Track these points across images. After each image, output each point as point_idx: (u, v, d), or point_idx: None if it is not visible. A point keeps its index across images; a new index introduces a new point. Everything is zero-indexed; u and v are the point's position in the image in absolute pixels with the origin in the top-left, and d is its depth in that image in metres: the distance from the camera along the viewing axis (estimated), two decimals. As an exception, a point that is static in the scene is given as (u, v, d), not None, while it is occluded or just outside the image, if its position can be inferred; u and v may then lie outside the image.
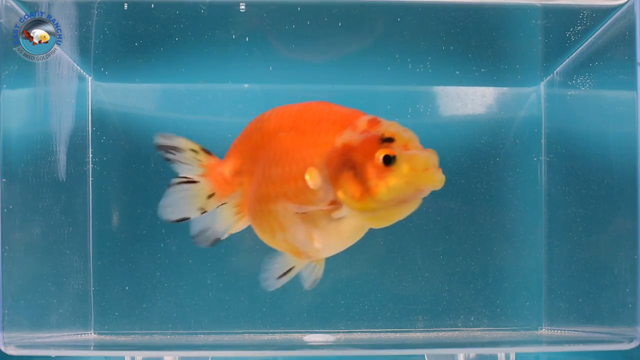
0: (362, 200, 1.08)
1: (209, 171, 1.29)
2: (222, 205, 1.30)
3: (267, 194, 1.19)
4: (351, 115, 1.14)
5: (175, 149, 1.28)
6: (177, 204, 1.28)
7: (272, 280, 1.24)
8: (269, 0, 1.48)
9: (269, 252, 1.26)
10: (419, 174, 1.05)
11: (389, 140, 1.06)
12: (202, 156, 1.29)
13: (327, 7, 1.51)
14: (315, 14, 1.52)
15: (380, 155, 1.06)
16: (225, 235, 1.30)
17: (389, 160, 1.05)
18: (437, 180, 1.05)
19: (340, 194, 1.10)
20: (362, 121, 1.10)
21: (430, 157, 1.05)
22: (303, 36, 1.57)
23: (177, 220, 1.28)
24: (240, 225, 1.31)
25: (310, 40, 1.59)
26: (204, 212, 1.28)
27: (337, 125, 1.12)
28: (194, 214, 1.28)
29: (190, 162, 1.28)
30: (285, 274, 1.24)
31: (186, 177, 1.28)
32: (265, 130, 1.23)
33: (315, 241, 1.18)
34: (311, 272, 1.26)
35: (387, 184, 1.05)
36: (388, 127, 1.08)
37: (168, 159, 1.28)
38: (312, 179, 1.12)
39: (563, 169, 1.65)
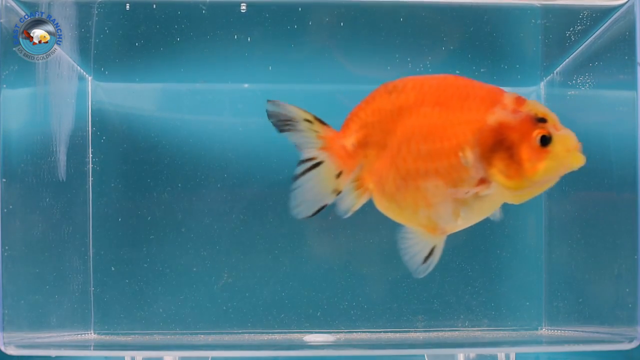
0: (516, 179, 1.09)
1: (329, 144, 1.23)
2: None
3: (416, 170, 1.16)
4: (495, 92, 1.14)
5: (289, 119, 1.22)
6: (309, 196, 1.21)
7: (419, 266, 1.19)
8: (269, 0, 1.48)
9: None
10: (570, 154, 1.08)
11: (543, 120, 1.08)
12: (318, 126, 1.23)
13: (328, 7, 1.51)
14: (316, 14, 1.52)
15: (537, 136, 1.07)
16: (348, 214, 1.23)
17: (545, 141, 1.07)
18: (582, 159, 1.08)
19: (494, 173, 1.10)
20: (509, 99, 1.11)
21: (574, 137, 1.08)
22: (303, 36, 1.57)
23: (315, 213, 1.21)
24: (361, 202, 1.24)
25: (311, 40, 1.59)
26: (339, 194, 1.22)
27: (487, 102, 1.12)
28: (329, 199, 1.21)
29: (308, 134, 1.22)
30: (429, 256, 1.19)
31: (310, 159, 1.22)
32: (402, 102, 1.20)
33: (460, 218, 1.16)
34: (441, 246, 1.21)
35: (544, 165, 1.08)
36: (536, 105, 1.10)
37: (282, 130, 1.23)
38: (466, 156, 1.12)
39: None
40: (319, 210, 1.21)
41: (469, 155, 1.12)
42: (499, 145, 1.09)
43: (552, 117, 1.09)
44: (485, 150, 1.10)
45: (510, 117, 1.09)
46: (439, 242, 1.19)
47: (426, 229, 1.19)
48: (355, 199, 1.23)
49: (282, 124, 1.23)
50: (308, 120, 1.23)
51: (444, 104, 1.16)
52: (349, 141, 1.23)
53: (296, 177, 1.22)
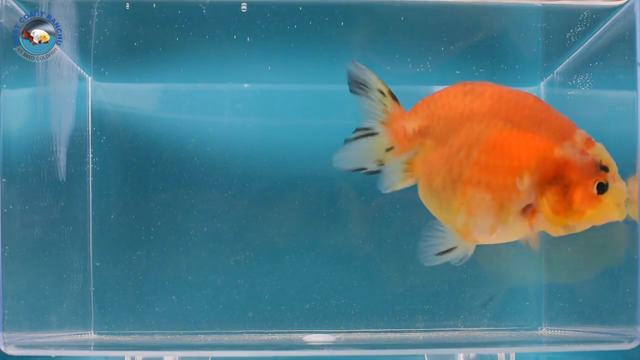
0: (562, 216, 1.11)
1: (392, 121, 1.26)
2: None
3: (469, 177, 1.18)
4: (568, 126, 1.15)
5: (364, 84, 1.25)
6: (354, 155, 1.26)
7: (431, 255, 1.22)
8: (269, 0, 1.48)
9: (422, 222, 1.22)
10: (617, 208, 1.09)
11: (605, 169, 1.09)
12: (388, 101, 1.26)
13: (328, 7, 1.51)
14: (316, 14, 1.52)
15: (596, 183, 1.09)
16: (388, 190, 1.27)
17: (602, 190, 1.08)
18: (623, 215, 1.10)
19: (543, 203, 1.12)
20: (580, 137, 1.12)
21: (625, 191, 1.09)
22: (304, 36, 1.57)
23: (353, 170, 1.26)
24: (404, 184, 1.28)
25: (311, 40, 1.59)
26: (380, 165, 1.26)
27: (558, 134, 1.13)
28: (370, 166, 1.26)
29: (376, 104, 1.26)
30: (445, 252, 1.22)
31: (366, 129, 1.26)
32: (476, 106, 1.21)
33: (497, 234, 1.18)
34: (465, 253, 1.23)
35: (593, 211, 1.09)
36: (602, 151, 1.11)
37: (353, 91, 1.26)
38: (523, 180, 1.13)
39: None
40: (357, 170, 1.26)
41: (526, 180, 1.13)
42: (557, 180, 1.11)
43: (613, 166, 1.10)
44: (543, 180, 1.12)
45: (576, 157, 1.10)
46: (468, 249, 1.22)
47: (459, 233, 1.21)
48: (400, 180, 1.27)
49: (356, 85, 1.26)
50: (381, 92, 1.25)
51: (518, 123, 1.17)
52: (411, 125, 1.26)
53: (349, 139, 1.26)
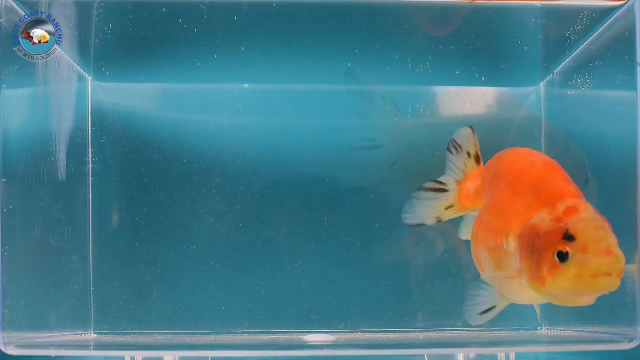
0: (535, 283, 1.10)
1: (464, 180, 1.35)
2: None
3: (477, 236, 1.26)
4: (560, 192, 1.13)
5: (460, 147, 1.33)
6: (418, 211, 1.35)
7: (476, 315, 1.28)
8: (270, 0, 1.48)
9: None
10: (584, 280, 1.05)
11: (570, 238, 1.06)
12: (471, 162, 1.34)
13: (328, 7, 1.51)
14: (316, 14, 1.52)
15: (555, 252, 1.06)
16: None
17: (562, 258, 1.06)
18: (602, 288, 1.05)
19: (524, 269, 1.12)
20: (562, 206, 1.10)
21: (604, 265, 1.04)
22: (304, 36, 1.57)
23: (414, 226, 1.36)
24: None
25: (311, 40, 1.59)
26: (439, 222, 1.36)
27: (541, 200, 1.13)
28: (430, 222, 1.35)
29: (459, 164, 1.34)
30: (487, 311, 1.27)
31: (440, 183, 1.34)
32: (499, 169, 1.27)
33: (504, 295, 1.23)
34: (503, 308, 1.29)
35: (555, 280, 1.07)
36: (578, 222, 1.07)
37: (448, 149, 1.34)
38: (509, 243, 1.16)
39: (563, 168, 1.65)
40: (417, 226, 1.37)
41: (512, 244, 1.15)
42: (529, 245, 1.11)
43: (589, 236, 1.05)
44: (521, 244, 1.13)
45: (544, 224, 1.09)
46: (501, 304, 1.26)
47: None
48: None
49: (452, 145, 1.36)
50: (469, 154, 1.34)
51: (517, 187, 1.20)
52: (474, 186, 1.33)
53: (421, 189, 1.36)
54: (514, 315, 1.66)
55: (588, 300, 1.10)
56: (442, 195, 1.35)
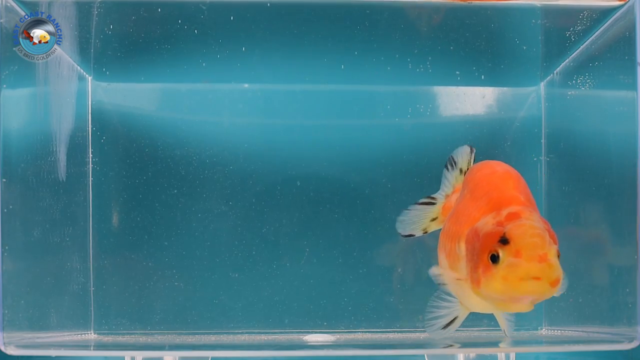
0: (472, 284, 1.13)
1: (452, 194, 1.39)
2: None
3: (440, 242, 1.30)
4: (508, 199, 1.16)
5: (455, 164, 1.38)
6: (410, 222, 1.41)
7: (437, 329, 1.29)
8: (269, 0, 1.48)
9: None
10: (512, 282, 1.06)
11: (505, 241, 1.08)
12: (461, 178, 1.37)
13: (328, 7, 1.51)
14: (316, 14, 1.52)
15: (490, 253, 1.09)
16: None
17: (494, 260, 1.08)
18: (529, 292, 1.06)
19: (470, 272, 1.14)
20: (505, 211, 1.13)
21: (533, 269, 1.05)
22: (303, 36, 1.57)
23: (405, 236, 1.42)
24: None
25: (311, 40, 1.59)
26: (425, 233, 1.42)
27: (490, 206, 1.16)
28: (418, 233, 1.42)
29: (452, 181, 1.39)
30: (449, 324, 1.29)
31: (431, 198, 1.40)
32: (469, 177, 1.31)
33: (462, 302, 1.25)
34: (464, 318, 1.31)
35: (487, 282, 1.09)
36: (515, 227, 1.09)
37: (446, 166, 1.39)
38: (460, 247, 1.19)
39: (563, 168, 1.65)
40: (407, 236, 1.42)
41: (462, 247, 1.18)
42: (472, 248, 1.14)
43: (522, 242, 1.07)
44: (467, 247, 1.16)
45: (486, 227, 1.12)
46: (461, 315, 1.28)
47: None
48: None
49: (449, 162, 1.39)
50: (461, 170, 1.37)
51: (474, 193, 1.23)
52: (455, 197, 1.36)
53: (416, 203, 1.41)
54: (514, 315, 1.66)
55: (523, 306, 1.12)
56: (429, 208, 1.40)
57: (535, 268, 1.05)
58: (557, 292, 1.09)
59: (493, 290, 1.09)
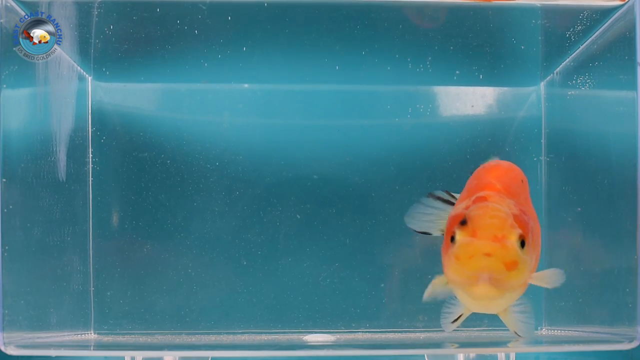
0: (445, 269, 1.15)
1: None
2: None
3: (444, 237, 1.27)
4: (483, 185, 1.19)
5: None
6: (424, 219, 1.32)
7: (448, 324, 1.31)
8: (270, 0, 1.48)
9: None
10: (463, 260, 1.08)
11: (463, 222, 1.10)
12: None
13: (328, 7, 1.51)
14: (316, 14, 1.52)
15: (451, 234, 1.11)
16: None
17: (452, 240, 1.10)
18: (479, 268, 1.06)
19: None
20: (475, 196, 1.15)
21: (484, 247, 1.06)
22: (303, 36, 1.57)
23: (420, 233, 1.33)
24: None
25: (311, 40, 1.59)
26: (442, 234, 1.33)
27: (467, 193, 1.20)
28: (435, 233, 1.32)
29: None
30: (456, 320, 1.30)
31: (451, 196, 1.32)
32: (471, 176, 1.31)
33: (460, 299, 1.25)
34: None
35: (446, 261, 1.12)
36: (476, 209, 1.11)
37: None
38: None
39: (563, 169, 1.65)
40: (423, 234, 1.33)
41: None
42: (447, 232, 1.15)
43: (479, 223, 1.09)
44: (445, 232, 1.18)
45: (454, 212, 1.16)
46: (466, 312, 1.29)
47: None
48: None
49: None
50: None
51: (467, 187, 1.26)
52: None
53: (431, 196, 1.32)
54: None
55: (482, 291, 1.08)
56: (449, 207, 1.34)
57: (486, 245, 1.06)
58: (521, 277, 1.09)
59: (449, 270, 1.10)
